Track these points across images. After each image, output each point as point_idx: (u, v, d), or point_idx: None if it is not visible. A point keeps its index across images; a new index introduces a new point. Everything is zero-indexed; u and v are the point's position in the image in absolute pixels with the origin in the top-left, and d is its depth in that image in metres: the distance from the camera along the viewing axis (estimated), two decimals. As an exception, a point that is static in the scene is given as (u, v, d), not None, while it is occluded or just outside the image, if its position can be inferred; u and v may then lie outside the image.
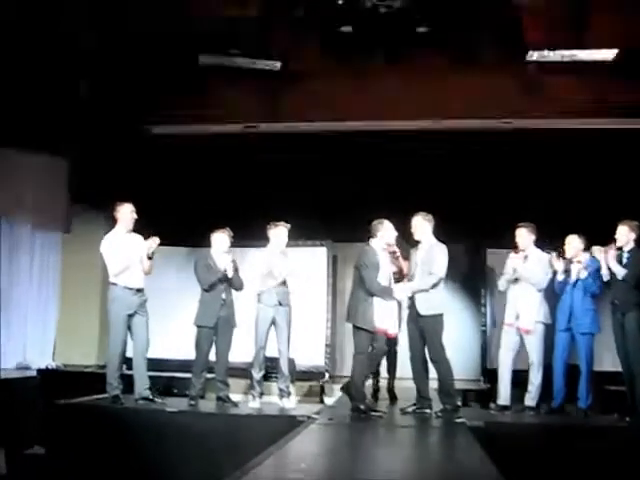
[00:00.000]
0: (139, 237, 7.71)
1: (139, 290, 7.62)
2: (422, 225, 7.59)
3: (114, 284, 7.55)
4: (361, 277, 7.40)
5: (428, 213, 7.65)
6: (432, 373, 7.54)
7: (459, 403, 7.67)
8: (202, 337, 7.79)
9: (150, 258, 7.68)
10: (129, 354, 7.73)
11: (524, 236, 7.81)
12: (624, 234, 7.41)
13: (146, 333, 7.64)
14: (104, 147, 10.52)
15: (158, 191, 10.41)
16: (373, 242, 7.55)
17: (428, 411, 7.37)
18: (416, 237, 7.63)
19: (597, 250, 7.53)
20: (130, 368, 7.75)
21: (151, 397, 7.59)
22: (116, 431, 6.33)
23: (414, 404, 7.51)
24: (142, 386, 7.60)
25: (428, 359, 7.49)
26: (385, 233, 7.57)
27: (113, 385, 7.46)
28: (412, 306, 7.49)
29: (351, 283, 7.67)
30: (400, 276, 7.92)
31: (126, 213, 7.66)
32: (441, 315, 7.43)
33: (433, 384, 7.56)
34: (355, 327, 7.38)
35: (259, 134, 10.40)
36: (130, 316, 7.53)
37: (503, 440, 6.17)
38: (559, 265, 7.70)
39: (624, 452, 5.96)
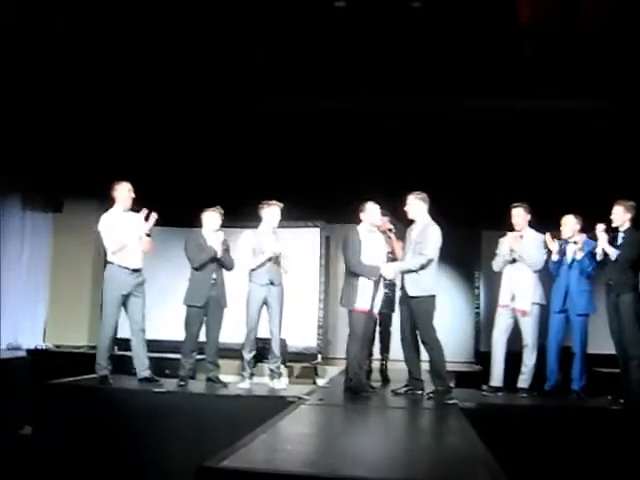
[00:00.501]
0: (137, 216, 7.60)
1: (136, 270, 7.53)
2: (416, 204, 7.52)
3: (111, 263, 7.49)
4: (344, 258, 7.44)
5: (422, 192, 7.58)
6: (425, 354, 7.46)
7: (451, 384, 7.57)
8: (192, 317, 7.68)
9: (148, 235, 7.62)
10: (123, 335, 7.65)
11: (520, 216, 7.73)
12: (619, 214, 7.33)
13: (141, 314, 7.56)
14: (96, 125, 10.46)
15: (149, 171, 10.30)
16: (360, 225, 7.55)
17: (419, 392, 7.33)
18: (410, 216, 7.56)
19: (600, 229, 7.40)
20: (122, 349, 7.68)
21: (150, 377, 7.54)
22: (104, 411, 6.27)
23: (406, 385, 7.47)
24: (141, 366, 7.56)
25: (420, 341, 7.42)
26: (368, 215, 7.54)
27: (102, 365, 7.41)
28: (403, 287, 7.44)
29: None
30: (394, 256, 7.89)
31: (124, 192, 7.57)
32: (432, 297, 7.34)
33: (426, 365, 7.50)
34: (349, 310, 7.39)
35: (253, 114, 10.36)
36: (126, 296, 7.46)
37: (495, 422, 6.13)
38: (554, 246, 7.63)
39: (618, 434, 5.91)
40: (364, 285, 7.32)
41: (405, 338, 7.46)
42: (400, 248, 7.84)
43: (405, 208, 7.56)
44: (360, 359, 7.44)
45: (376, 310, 7.55)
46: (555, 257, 7.62)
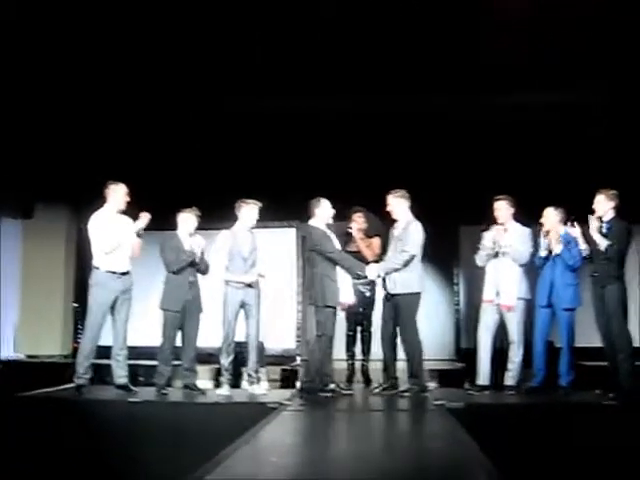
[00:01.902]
0: (127, 218, 7.49)
1: (124, 274, 7.40)
2: (396, 203, 7.53)
3: (97, 268, 7.34)
4: (321, 255, 7.33)
5: (400, 190, 7.55)
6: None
7: (425, 384, 7.54)
8: (169, 322, 7.48)
9: (139, 236, 7.47)
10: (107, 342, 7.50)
11: (502, 209, 7.59)
12: (602, 202, 7.18)
13: (126, 319, 7.47)
14: (67, 127, 10.22)
15: (121, 173, 10.04)
16: (313, 221, 7.52)
17: (394, 391, 7.34)
18: (394, 216, 7.57)
19: (570, 228, 7.27)
20: (100, 357, 7.48)
21: (127, 386, 7.41)
22: (76, 425, 6.00)
23: (380, 384, 7.52)
24: (120, 372, 7.44)
25: (399, 339, 7.42)
26: (321, 211, 7.52)
27: (79, 373, 7.26)
28: (385, 286, 7.43)
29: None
30: (361, 257, 7.92)
31: (119, 194, 7.46)
32: (417, 294, 7.38)
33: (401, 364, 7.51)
34: (317, 307, 7.28)
35: (227, 113, 10.19)
36: (113, 302, 7.34)
37: (484, 421, 5.97)
38: (544, 242, 7.47)
39: (609, 429, 5.77)
40: (344, 279, 7.33)
41: (384, 337, 7.46)
42: (367, 249, 7.97)
43: (388, 209, 7.55)
44: (325, 358, 7.35)
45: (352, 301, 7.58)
46: (544, 253, 7.46)
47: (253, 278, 7.53)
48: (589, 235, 7.15)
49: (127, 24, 8.43)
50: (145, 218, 7.42)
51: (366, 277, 7.50)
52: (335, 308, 7.34)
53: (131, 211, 7.56)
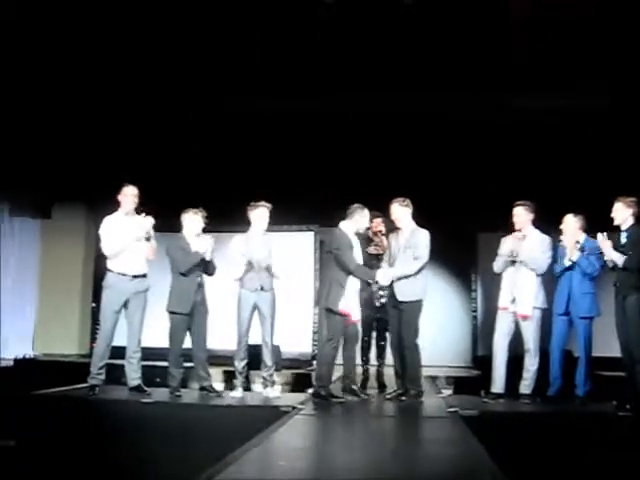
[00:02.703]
0: (140, 220, 7.45)
1: (136, 276, 7.37)
2: (402, 211, 7.53)
3: (110, 270, 7.37)
4: (337, 260, 7.30)
5: (405, 198, 7.55)
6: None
7: (422, 389, 7.52)
8: (177, 324, 7.44)
9: (148, 240, 7.44)
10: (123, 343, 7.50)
11: (521, 215, 7.48)
12: (620, 211, 7.07)
13: (140, 321, 7.44)
14: (83, 130, 10.27)
15: (136, 174, 10.06)
16: (344, 225, 7.47)
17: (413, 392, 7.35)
18: (398, 224, 7.56)
19: (601, 238, 7.17)
20: (115, 357, 7.49)
21: (140, 387, 7.38)
22: (91, 423, 6.01)
23: (395, 390, 7.54)
24: (133, 374, 7.41)
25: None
26: (361, 219, 7.49)
27: (92, 373, 7.26)
28: (392, 293, 7.42)
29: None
30: (378, 259, 7.92)
31: (127, 195, 7.44)
32: (421, 301, 7.39)
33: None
34: (328, 311, 7.28)
35: (247, 114, 10.19)
36: (125, 302, 7.33)
37: (497, 430, 5.90)
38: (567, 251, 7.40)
39: (626, 441, 5.69)
40: (352, 288, 7.27)
41: (395, 344, 7.50)
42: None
43: (392, 217, 7.57)
44: (331, 364, 7.34)
45: (356, 316, 7.46)
46: (568, 262, 7.37)
47: (260, 258, 7.49)
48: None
49: (138, 29, 8.50)
50: (148, 221, 7.39)
51: (377, 282, 7.48)
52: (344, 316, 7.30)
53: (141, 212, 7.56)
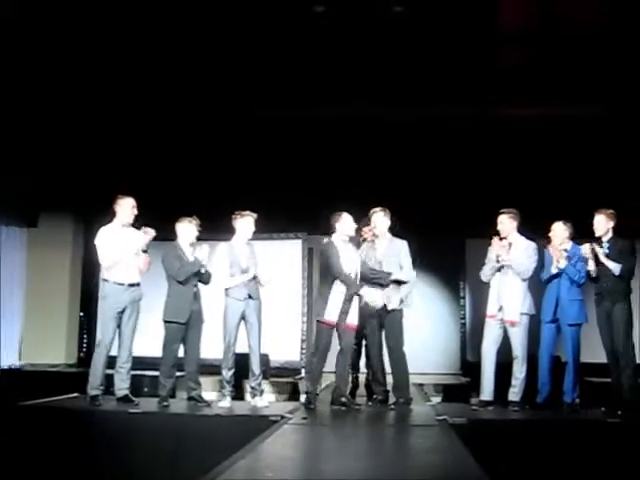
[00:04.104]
0: (136, 232, 7.43)
1: (132, 285, 7.33)
2: (382, 221, 7.62)
3: (106, 280, 7.32)
4: (322, 270, 7.39)
5: (384, 208, 7.65)
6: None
7: (411, 396, 7.56)
8: (173, 334, 7.38)
9: (145, 251, 7.43)
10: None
11: (505, 223, 7.48)
12: (602, 223, 7.14)
13: (132, 330, 7.39)
14: (71, 138, 10.23)
15: (125, 183, 10.04)
16: (334, 236, 7.45)
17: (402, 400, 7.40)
18: (379, 233, 7.65)
19: (587, 247, 7.19)
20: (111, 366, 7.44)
21: (128, 397, 7.31)
22: (74, 434, 5.96)
23: (376, 397, 7.61)
24: (122, 384, 7.34)
25: (388, 352, 7.56)
26: (343, 226, 7.44)
27: (94, 384, 7.21)
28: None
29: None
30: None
31: (127, 207, 7.39)
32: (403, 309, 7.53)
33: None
34: (317, 321, 7.37)
35: (234, 122, 10.18)
36: (120, 313, 7.28)
37: (487, 438, 5.88)
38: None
39: (615, 448, 5.68)
40: (335, 297, 7.20)
41: (376, 352, 7.60)
42: None
43: (373, 225, 7.65)
44: (317, 373, 7.37)
45: (352, 322, 7.38)
46: (555, 270, 7.37)
47: (247, 278, 7.46)
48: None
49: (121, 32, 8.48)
50: (149, 234, 7.37)
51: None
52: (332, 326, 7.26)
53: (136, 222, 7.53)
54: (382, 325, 7.50)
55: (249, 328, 7.45)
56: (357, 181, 10.16)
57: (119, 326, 7.32)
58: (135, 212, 7.42)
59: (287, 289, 10.30)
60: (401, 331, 7.46)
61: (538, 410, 7.20)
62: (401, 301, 7.48)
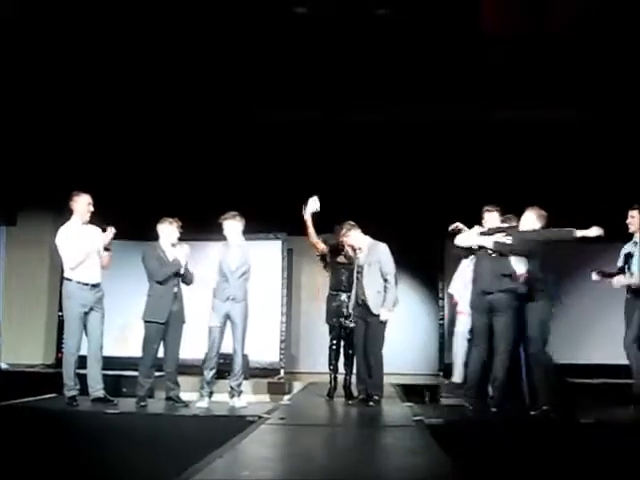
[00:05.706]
0: (96, 229, 7.41)
1: (95, 285, 7.31)
2: (354, 234, 7.74)
3: (69, 279, 7.26)
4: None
5: (347, 223, 7.77)
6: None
7: (383, 394, 7.75)
8: (152, 333, 7.42)
9: (107, 250, 7.41)
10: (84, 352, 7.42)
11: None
12: (531, 221, 7.10)
13: (100, 330, 7.34)
14: (50, 135, 10.21)
15: (105, 182, 10.03)
16: None
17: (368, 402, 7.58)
18: (357, 246, 7.78)
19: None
20: (83, 367, 7.41)
21: (105, 397, 7.30)
22: (56, 434, 5.95)
23: (356, 397, 7.84)
24: (96, 385, 7.31)
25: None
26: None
27: (69, 385, 7.20)
28: (363, 304, 7.62)
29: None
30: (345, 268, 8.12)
31: (82, 204, 7.35)
32: None
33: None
34: None
35: (215, 123, 10.20)
36: (86, 313, 7.24)
37: (464, 439, 5.90)
38: None
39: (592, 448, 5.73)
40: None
41: (361, 352, 7.74)
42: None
43: (348, 240, 7.78)
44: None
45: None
46: None
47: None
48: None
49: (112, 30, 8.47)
50: (110, 232, 7.35)
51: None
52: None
53: (115, 221, 7.51)
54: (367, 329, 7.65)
55: (233, 329, 7.48)
56: (336, 182, 10.16)
57: (85, 326, 7.28)
58: (91, 209, 7.36)
59: (267, 289, 10.29)
60: (383, 336, 7.62)
61: (515, 410, 7.17)
62: (389, 310, 7.60)
